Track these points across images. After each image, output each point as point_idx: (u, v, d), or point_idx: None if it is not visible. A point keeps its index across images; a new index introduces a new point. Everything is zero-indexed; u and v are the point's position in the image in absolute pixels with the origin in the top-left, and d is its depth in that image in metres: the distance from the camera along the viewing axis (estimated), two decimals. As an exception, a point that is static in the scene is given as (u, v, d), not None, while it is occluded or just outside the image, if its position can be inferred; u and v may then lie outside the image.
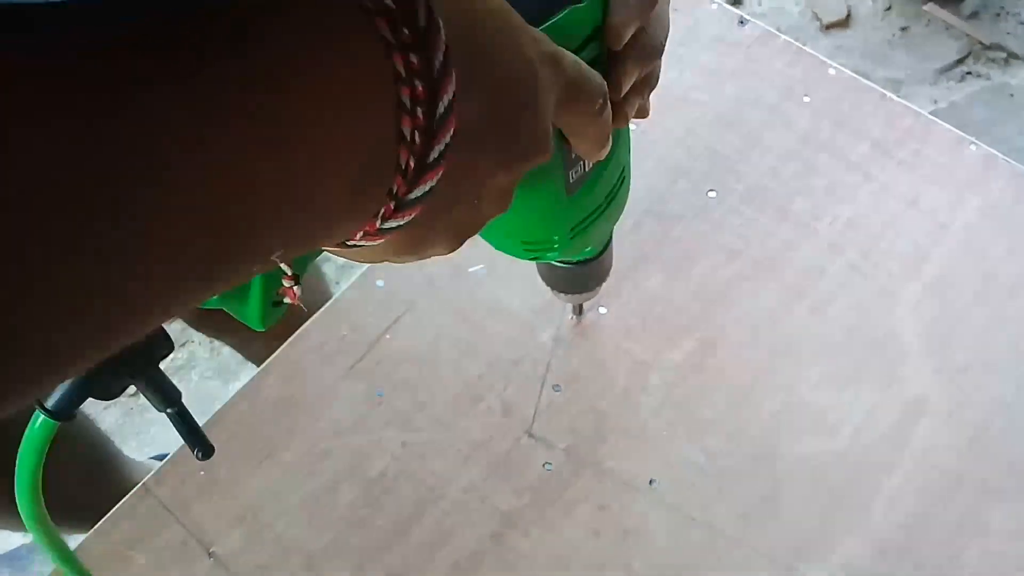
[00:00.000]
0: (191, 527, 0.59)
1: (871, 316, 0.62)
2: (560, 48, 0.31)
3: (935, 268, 0.64)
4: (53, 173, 0.16)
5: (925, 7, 1.50)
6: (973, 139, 0.69)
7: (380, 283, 0.65)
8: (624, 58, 0.38)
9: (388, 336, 0.64)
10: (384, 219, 0.26)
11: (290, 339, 0.64)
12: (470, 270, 0.66)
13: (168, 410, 0.39)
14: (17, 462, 0.36)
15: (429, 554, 0.57)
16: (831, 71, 0.73)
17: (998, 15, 1.48)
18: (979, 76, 1.43)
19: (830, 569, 0.55)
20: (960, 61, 1.44)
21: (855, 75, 0.73)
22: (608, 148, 0.37)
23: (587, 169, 0.42)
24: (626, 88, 0.39)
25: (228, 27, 0.20)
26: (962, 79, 1.42)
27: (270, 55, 0.20)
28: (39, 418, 0.34)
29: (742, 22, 0.76)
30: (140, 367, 0.37)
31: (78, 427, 0.92)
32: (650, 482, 0.58)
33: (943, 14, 1.49)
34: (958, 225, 0.66)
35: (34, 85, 0.17)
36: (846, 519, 0.56)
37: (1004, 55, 1.44)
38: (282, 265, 0.30)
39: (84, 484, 0.90)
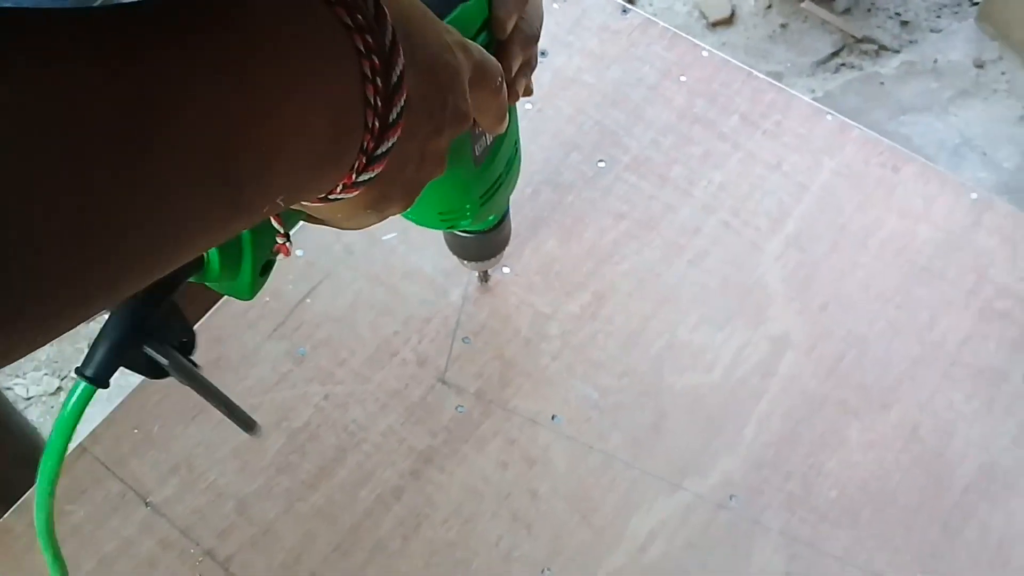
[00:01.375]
0: (128, 480, 0.63)
1: (741, 266, 0.70)
2: (464, 37, 0.38)
3: (796, 223, 0.72)
4: (97, 107, 0.22)
5: (803, 5, 1.61)
6: (829, 109, 0.78)
7: (300, 252, 0.71)
8: (510, 45, 0.47)
9: (308, 300, 0.69)
10: (358, 172, 0.32)
11: (214, 307, 0.69)
12: (383, 238, 0.72)
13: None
14: (53, 428, 0.40)
15: (353, 491, 0.62)
16: (704, 53, 0.81)
17: (869, 11, 1.61)
18: (852, 67, 1.55)
19: (711, 484, 0.62)
20: (835, 54, 1.56)
21: (724, 56, 0.81)
22: (507, 122, 0.45)
23: (489, 142, 0.50)
24: (514, 69, 0.48)
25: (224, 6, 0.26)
26: (837, 70, 1.53)
27: (255, 35, 0.27)
28: (80, 385, 0.38)
29: (625, 11, 0.83)
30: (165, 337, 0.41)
31: (7, 417, 0.95)
32: (552, 418, 0.64)
33: (819, 11, 1.61)
34: (816, 185, 0.74)
35: (77, 48, 0.22)
36: (723, 440, 0.64)
37: (875, 47, 1.57)
38: (276, 225, 0.36)
39: (17, 467, 0.93)
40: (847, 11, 1.61)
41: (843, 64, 1.55)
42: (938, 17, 1.61)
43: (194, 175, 0.25)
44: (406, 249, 0.71)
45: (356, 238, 0.71)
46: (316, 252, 0.71)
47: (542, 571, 0.60)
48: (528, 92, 0.51)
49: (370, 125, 0.31)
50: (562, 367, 0.66)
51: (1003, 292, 0.69)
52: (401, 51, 0.31)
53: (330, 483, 0.62)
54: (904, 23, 1.60)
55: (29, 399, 1.29)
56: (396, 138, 0.32)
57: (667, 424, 0.64)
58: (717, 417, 0.65)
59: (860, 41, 1.57)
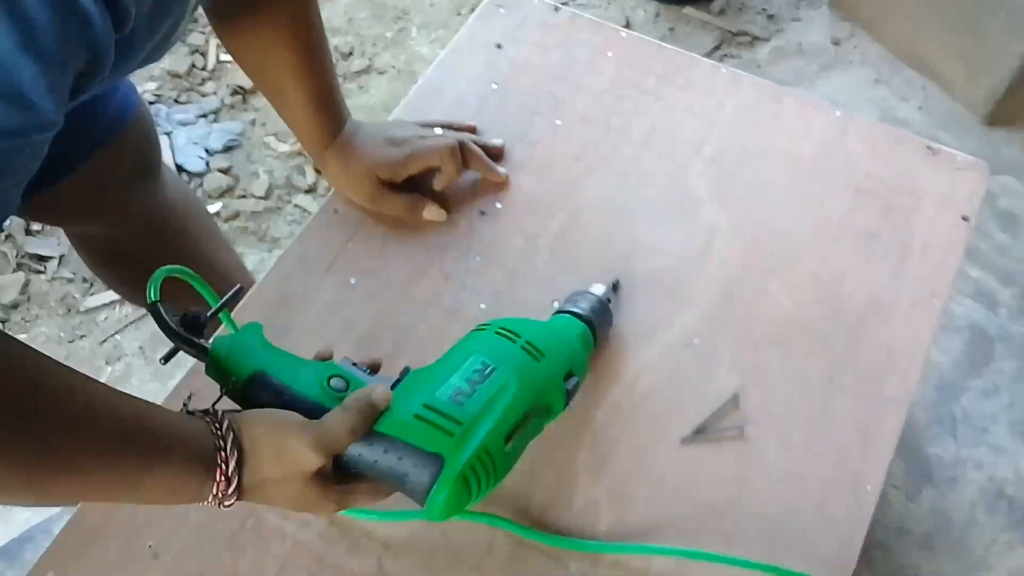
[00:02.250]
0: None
1: (675, 183, 0.92)
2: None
3: (710, 148, 0.95)
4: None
5: (684, 11, 1.88)
6: (723, 65, 1.02)
7: (336, 208, 0.90)
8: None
9: (350, 244, 0.88)
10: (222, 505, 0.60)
11: (278, 257, 0.88)
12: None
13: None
14: None
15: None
16: (623, 35, 1.04)
17: (740, 9, 1.88)
18: (732, 56, 1.82)
19: (676, 333, 0.83)
20: (717, 47, 1.83)
21: (638, 35, 1.04)
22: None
23: None
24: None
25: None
26: (720, 60, 1.79)
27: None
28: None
29: (557, 9, 1.06)
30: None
31: None
32: (552, 302, 0.84)
33: (699, 14, 1.88)
34: (721, 120, 0.97)
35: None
36: (681, 302, 0.85)
37: (749, 38, 1.84)
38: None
39: None
40: (722, 12, 1.88)
41: (724, 55, 1.82)
42: (797, 8, 1.90)
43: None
44: (419, 200, 0.91)
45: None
46: (349, 209, 0.90)
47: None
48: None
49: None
50: (554, 268, 0.86)
51: (868, 177, 0.93)
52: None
53: (392, 365, 0.81)
54: (770, 16, 1.89)
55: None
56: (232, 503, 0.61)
57: (638, 296, 0.85)
58: (674, 288, 0.86)
59: (736, 35, 1.85)
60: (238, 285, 0.72)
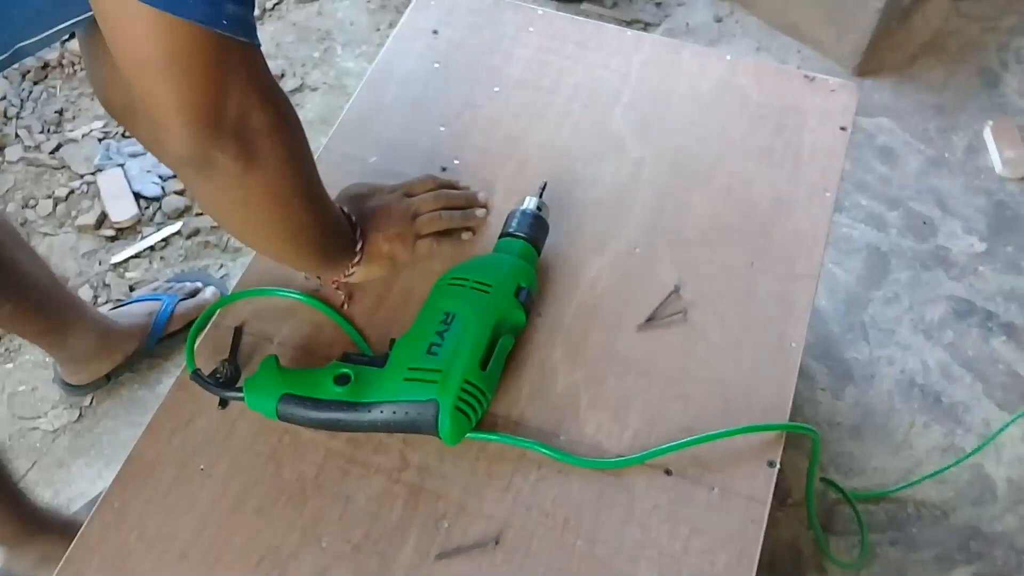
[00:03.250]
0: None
1: (602, 125, 1.08)
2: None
3: (627, 95, 1.11)
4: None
5: (581, 7, 2.05)
6: (628, 28, 1.18)
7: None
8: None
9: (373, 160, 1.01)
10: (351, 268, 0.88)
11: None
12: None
13: None
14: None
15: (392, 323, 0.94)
16: (540, 12, 1.19)
17: (631, 1, 2.07)
18: (630, 41, 2.01)
19: (622, 244, 0.97)
20: (615, 35, 2.01)
21: (551, 11, 1.20)
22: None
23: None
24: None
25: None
26: (620, 46, 1.98)
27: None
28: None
29: (479, -4, 1.21)
30: None
31: None
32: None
33: (595, 9, 2.05)
34: (632, 72, 1.13)
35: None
36: (622, 220, 1.00)
37: (642, 25, 2.02)
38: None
39: None
40: (615, 4, 2.07)
41: (623, 41, 2.01)
42: (681, -6, 2.10)
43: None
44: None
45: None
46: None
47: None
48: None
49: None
50: (510, 204, 1.00)
51: (759, 105, 1.09)
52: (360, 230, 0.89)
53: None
54: (658, 3, 2.07)
55: (55, 431, 1.51)
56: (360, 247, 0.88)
57: (586, 217, 1.00)
58: (614, 209, 1.01)
59: (630, 23, 2.03)
60: (237, 327, 0.91)
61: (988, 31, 2.06)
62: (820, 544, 1.34)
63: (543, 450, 0.82)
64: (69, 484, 1.45)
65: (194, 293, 1.57)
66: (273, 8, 2.06)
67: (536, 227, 0.94)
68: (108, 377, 1.51)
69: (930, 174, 1.80)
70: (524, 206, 0.95)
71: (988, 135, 1.85)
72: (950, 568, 1.34)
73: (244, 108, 0.66)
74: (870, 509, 1.39)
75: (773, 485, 0.83)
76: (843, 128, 1.08)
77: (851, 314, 1.60)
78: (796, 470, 1.38)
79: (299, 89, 1.90)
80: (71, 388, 1.51)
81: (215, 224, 1.71)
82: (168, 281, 1.61)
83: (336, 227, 0.87)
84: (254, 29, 0.65)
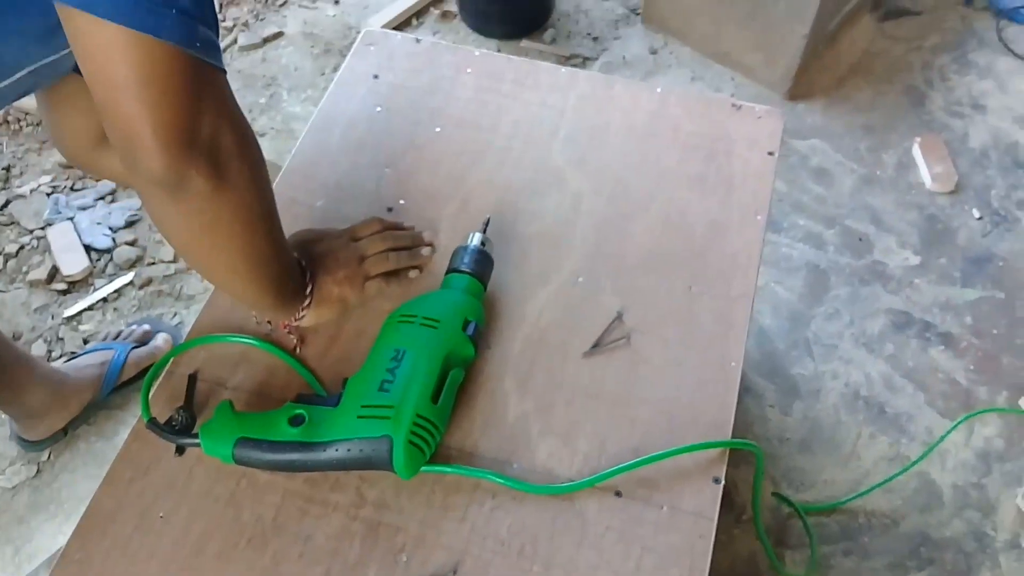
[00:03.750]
0: (209, 380, 0.93)
1: (541, 160, 1.11)
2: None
3: (564, 130, 1.14)
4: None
5: (521, 44, 2.10)
6: (567, 62, 1.21)
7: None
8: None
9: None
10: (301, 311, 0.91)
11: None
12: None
13: None
14: None
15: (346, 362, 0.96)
16: (476, 53, 1.23)
17: (568, 36, 2.12)
18: (570, 76, 2.06)
19: (565, 274, 1.01)
20: (555, 71, 2.07)
21: (489, 51, 1.23)
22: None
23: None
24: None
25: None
26: (560, 80, 2.03)
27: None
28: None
29: (418, 41, 1.24)
30: None
31: None
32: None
33: (535, 46, 2.10)
34: (568, 108, 1.16)
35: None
36: (565, 251, 1.02)
37: (581, 59, 2.08)
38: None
39: None
40: (554, 40, 2.12)
41: (563, 76, 2.06)
42: (616, 28, 2.15)
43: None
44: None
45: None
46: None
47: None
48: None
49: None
50: (456, 242, 1.03)
51: (690, 134, 1.14)
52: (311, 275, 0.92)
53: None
54: (595, 38, 2.13)
55: (14, 488, 1.49)
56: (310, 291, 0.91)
57: (530, 250, 1.02)
58: (557, 241, 1.04)
59: (569, 58, 2.08)
60: (191, 374, 0.92)
61: (912, 51, 2.14)
62: (770, 557, 1.37)
63: (497, 479, 0.84)
64: (29, 540, 1.44)
65: (145, 339, 1.57)
66: (217, 57, 2.07)
67: (481, 262, 0.96)
68: (65, 431, 1.51)
69: (863, 192, 1.86)
70: (468, 242, 0.97)
71: (917, 152, 1.93)
72: (903, 574, 1.38)
73: (216, 129, 0.69)
74: (823, 521, 1.42)
75: (719, 500, 0.85)
76: (771, 153, 1.13)
77: (795, 331, 1.64)
78: (750, 486, 1.42)
79: (246, 135, 1.91)
80: (28, 444, 1.50)
81: (168, 273, 1.72)
82: (120, 330, 1.61)
83: (291, 265, 0.89)
84: (221, 54, 0.69)
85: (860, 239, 1.78)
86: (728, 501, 1.44)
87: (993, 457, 1.50)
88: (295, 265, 0.91)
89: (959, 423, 1.52)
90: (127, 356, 1.53)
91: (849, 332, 1.65)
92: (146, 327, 1.60)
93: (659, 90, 1.19)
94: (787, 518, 1.43)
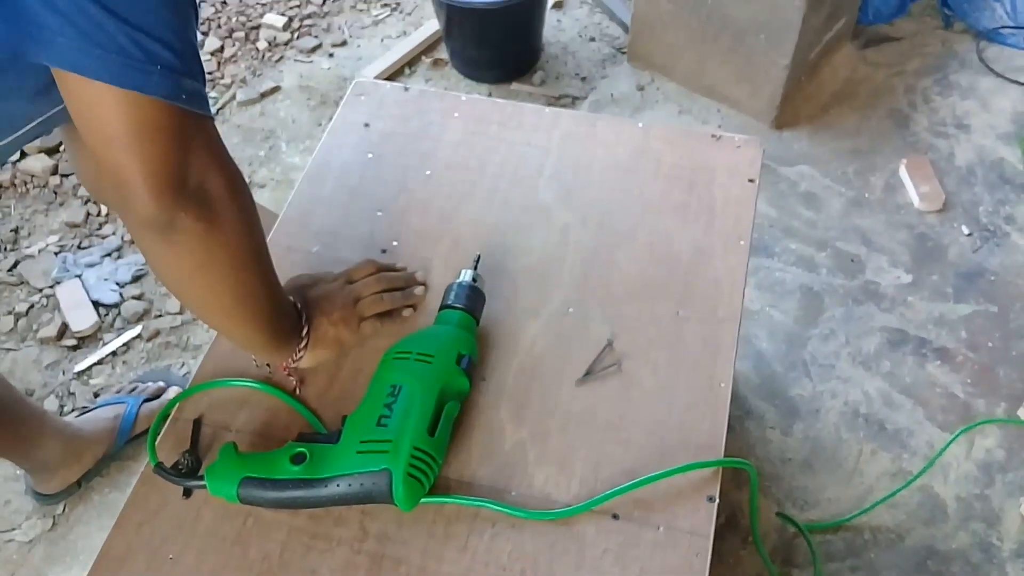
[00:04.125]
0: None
1: (530, 198, 1.14)
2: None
3: (549, 168, 1.17)
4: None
5: (512, 87, 2.15)
6: (556, 102, 1.25)
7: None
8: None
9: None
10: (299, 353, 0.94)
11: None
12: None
13: None
14: None
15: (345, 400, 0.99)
16: (463, 98, 1.27)
17: (557, 77, 2.17)
18: (560, 115, 2.11)
19: (556, 305, 1.03)
20: (546, 111, 2.11)
21: (476, 96, 1.27)
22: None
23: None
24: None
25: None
26: (551, 120, 2.08)
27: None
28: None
29: (407, 89, 1.28)
30: None
31: None
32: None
33: (525, 88, 2.15)
34: (553, 146, 1.20)
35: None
36: (553, 283, 1.05)
37: (571, 99, 2.12)
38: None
39: None
40: (543, 82, 2.17)
41: (553, 116, 2.11)
42: (603, 67, 2.20)
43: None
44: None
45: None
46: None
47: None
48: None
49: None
50: (449, 279, 1.06)
51: (672, 166, 1.17)
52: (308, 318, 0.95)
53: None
54: (583, 78, 2.18)
55: (30, 541, 1.51)
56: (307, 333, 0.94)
57: (520, 284, 1.05)
58: (546, 274, 1.06)
59: (559, 98, 2.13)
60: (195, 419, 0.94)
61: (894, 75, 2.18)
62: (770, 572, 1.38)
63: (495, 507, 0.86)
64: (46, 594, 1.46)
65: (158, 394, 1.60)
66: (217, 113, 2.13)
67: (473, 297, 0.99)
68: (79, 483, 1.53)
69: (853, 214, 1.89)
70: (460, 279, 1.00)
71: (904, 173, 1.95)
72: (910, 588, 1.39)
73: (204, 174, 0.73)
74: (828, 539, 1.43)
75: (714, 519, 0.87)
76: (751, 180, 1.15)
77: (792, 353, 1.66)
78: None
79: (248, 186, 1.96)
80: (43, 497, 1.52)
81: (175, 325, 1.75)
82: (132, 382, 1.64)
83: (285, 306, 0.92)
84: (207, 102, 0.73)
85: (852, 260, 1.80)
86: (733, 524, 1.45)
87: (995, 468, 1.51)
88: (289, 306, 0.93)
89: (958, 435, 1.53)
90: (139, 409, 1.56)
91: (845, 351, 1.66)
92: (160, 383, 1.62)
93: (641, 125, 1.22)
94: (793, 538, 1.44)
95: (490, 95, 2.13)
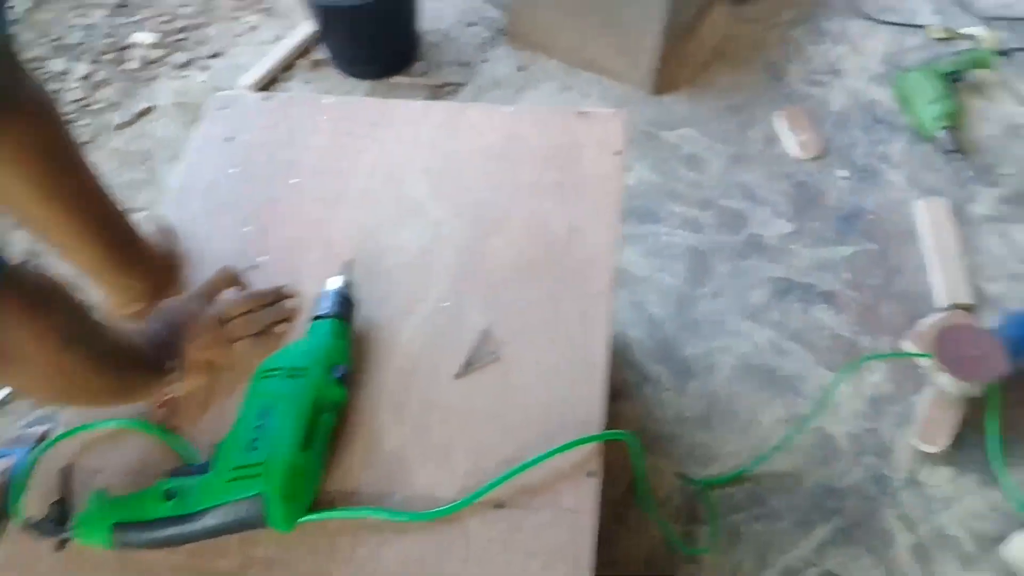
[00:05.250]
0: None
1: (402, 194, 1.11)
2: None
3: (420, 163, 1.14)
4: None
5: (392, 80, 2.11)
6: (429, 97, 1.22)
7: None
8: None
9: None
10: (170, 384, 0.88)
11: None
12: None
13: None
14: None
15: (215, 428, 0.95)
16: (330, 100, 1.23)
17: (438, 65, 2.13)
18: (439, 99, 2.07)
19: (432, 301, 1.00)
20: (432, 98, 2.07)
21: (342, 97, 1.23)
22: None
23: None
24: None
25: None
26: (436, 108, 2.04)
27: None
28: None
29: (268, 97, 1.23)
30: None
31: None
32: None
33: (406, 79, 2.11)
34: (424, 140, 1.17)
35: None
36: (432, 279, 1.02)
37: (454, 86, 2.09)
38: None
39: None
40: (424, 72, 2.13)
41: (426, 97, 2.07)
42: (484, 51, 2.16)
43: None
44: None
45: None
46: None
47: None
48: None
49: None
50: (321, 287, 1.02)
51: (542, 147, 1.14)
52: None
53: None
54: (464, 64, 2.14)
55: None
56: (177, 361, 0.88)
57: (395, 283, 1.02)
58: (421, 271, 1.03)
59: (442, 87, 2.09)
60: (62, 467, 0.90)
61: (769, 29, 2.19)
62: (668, 536, 1.38)
63: (378, 514, 0.83)
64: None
65: (44, 438, 1.53)
66: (92, 140, 2.04)
67: (344, 304, 0.96)
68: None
69: (735, 171, 1.90)
70: (329, 287, 0.97)
71: (781, 124, 1.97)
72: (811, 529, 1.41)
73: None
74: (730, 492, 1.44)
75: (597, 493, 0.86)
76: (617, 152, 1.14)
77: (683, 314, 1.67)
78: (658, 472, 1.43)
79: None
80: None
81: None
82: (19, 430, 1.57)
83: (141, 359, 0.86)
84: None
85: (736, 216, 1.82)
86: (637, 490, 1.45)
87: (883, 401, 1.54)
88: (145, 353, 0.87)
89: (845, 374, 1.56)
90: (29, 458, 1.49)
91: (734, 306, 1.68)
92: (47, 426, 1.55)
93: (510, 109, 1.20)
94: (696, 495, 1.45)
95: (372, 92, 2.08)
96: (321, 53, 2.16)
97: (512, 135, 1.17)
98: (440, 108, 1.21)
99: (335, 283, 0.97)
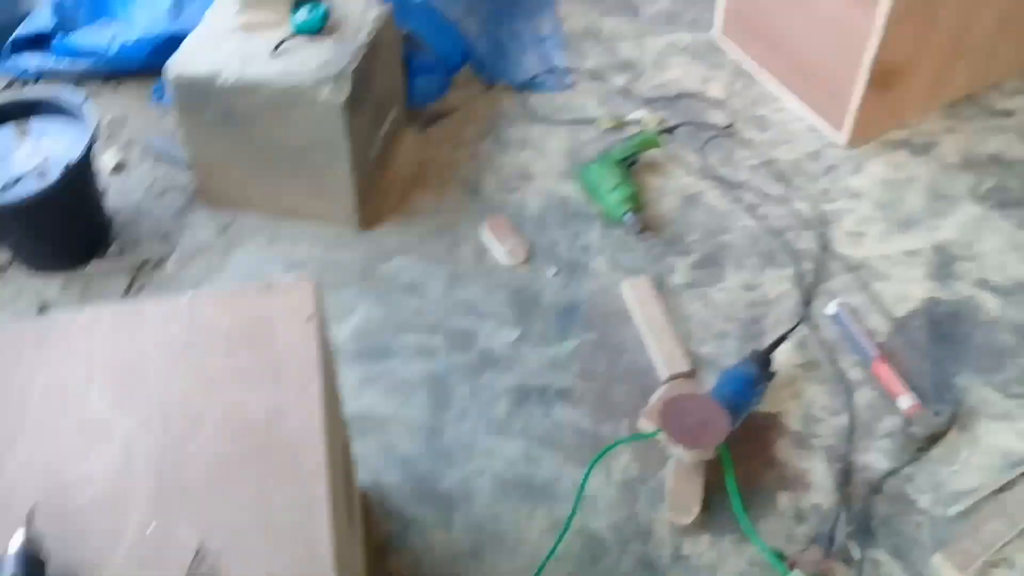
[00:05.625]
0: None
1: (82, 416, 1.01)
2: None
3: (98, 377, 1.05)
4: None
5: (88, 270, 1.97)
6: (83, 311, 1.13)
7: None
8: None
9: None
10: None
11: None
12: None
13: None
14: None
15: None
16: (-18, 329, 1.11)
17: (136, 243, 2.01)
18: (149, 282, 1.95)
19: (129, 538, 0.92)
20: (132, 283, 1.95)
21: (25, 320, 1.12)
22: None
23: None
24: None
25: None
26: (140, 291, 1.92)
27: None
28: None
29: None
30: None
31: None
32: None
33: (104, 264, 1.98)
34: (96, 351, 1.08)
35: None
36: (125, 509, 0.94)
37: (156, 262, 1.98)
38: None
39: None
40: (122, 252, 2.01)
41: (142, 284, 1.94)
42: (182, 219, 2.07)
43: None
44: None
45: None
46: None
47: None
48: None
49: None
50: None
51: (230, 329, 1.09)
52: None
53: None
54: (163, 236, 2.05)
55: None
56: None
57: (89, 517, 0.92)
58: (119, 498, 0.94)
59: (143, 265, 1.96)
60: None
61: (458, 147, 2.27)
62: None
63: None
64: None
65: None
66: None
67: (29, 564, 0.85)
68: None
69: (454, 290, 1.93)
70: (10, 550, 0.86)
71: (486, 236, 2.03)
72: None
73: None
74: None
75: None
76: (309, 318, 1.11)
77: (433, 446, 1.65)
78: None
79: None
80: None
81: None
82: None
83: None
84: None
85: (464, 334, 1.84)
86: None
87: (634, 484, 1.59)
88: None
89: (590, 467, 1.58)
90: None
91: (481, 425, 1.68)
92: None
93: (188, 298, 1.14)
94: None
95: (65, 286, 1.94)
96: (1, 255, 1.98)
97: (195, 324, 1.11)
98: (111, 311, 1.13)
99: (17, 543, 0.86)
